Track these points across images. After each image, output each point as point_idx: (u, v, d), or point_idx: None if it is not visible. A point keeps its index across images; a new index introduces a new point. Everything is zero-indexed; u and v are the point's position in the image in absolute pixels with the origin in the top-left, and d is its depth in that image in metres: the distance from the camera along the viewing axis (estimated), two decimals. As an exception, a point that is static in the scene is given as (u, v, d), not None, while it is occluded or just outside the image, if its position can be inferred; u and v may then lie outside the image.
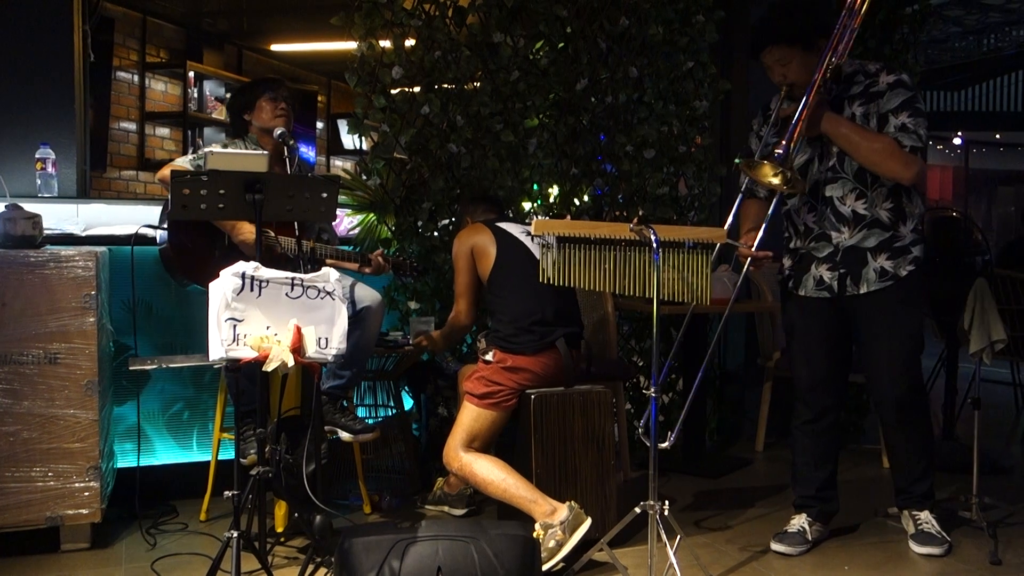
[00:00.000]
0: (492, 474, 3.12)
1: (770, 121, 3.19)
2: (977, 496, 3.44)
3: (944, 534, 3.27)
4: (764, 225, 3.21)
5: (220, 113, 7.50)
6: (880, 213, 3.15)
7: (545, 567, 2.88)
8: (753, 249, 3.18)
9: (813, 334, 3.31)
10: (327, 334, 2.65)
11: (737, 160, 3.04)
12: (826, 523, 3.40)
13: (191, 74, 7.26)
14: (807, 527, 3.33)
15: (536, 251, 3.23)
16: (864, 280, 3.17)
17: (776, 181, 2.99)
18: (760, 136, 3.30)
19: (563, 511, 2.98)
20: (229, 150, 3.35)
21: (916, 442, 3.30)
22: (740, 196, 3.36)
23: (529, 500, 3.05)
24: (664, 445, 2.92)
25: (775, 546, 3.29)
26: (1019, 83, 11.63)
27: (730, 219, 3.28)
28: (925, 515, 3.32)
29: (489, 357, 3.26)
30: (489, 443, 3.28)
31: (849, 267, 3.19)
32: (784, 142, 2.93)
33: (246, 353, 2.53)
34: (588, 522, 2.99)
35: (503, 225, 3.40)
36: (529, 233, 3.31)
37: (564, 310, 3.31)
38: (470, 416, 3.21)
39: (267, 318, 2.57)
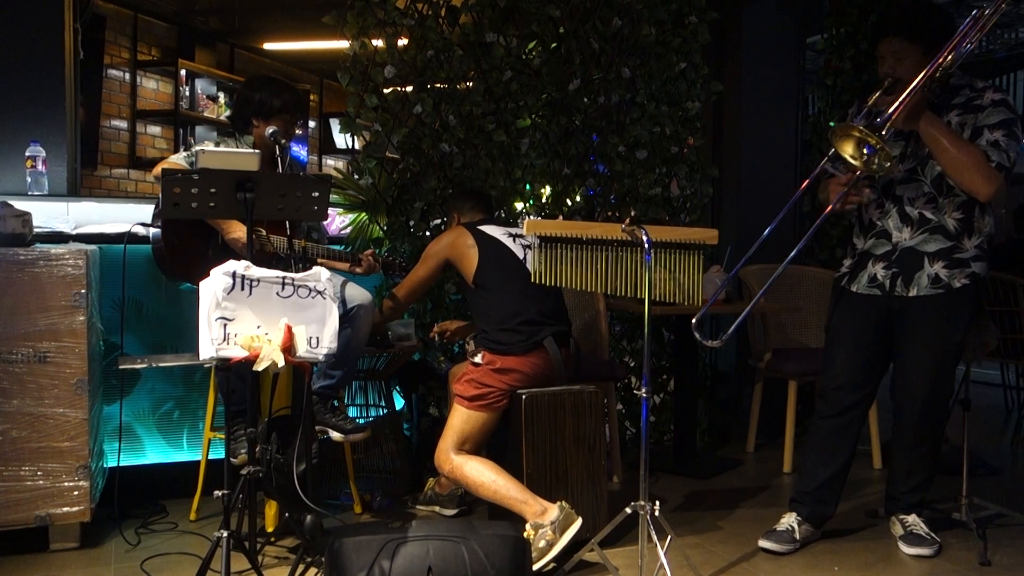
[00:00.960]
0: (483, 475, 3.12)
1: (863, 112, 3.16)
2: (967, 497, 3.45)
3: (933, 535, 3.28)
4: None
5: (212, 111, 7.48)
6: (947, 221, 3.14)
7: (535, 567, 2.88)
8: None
9: (856, 331, 3.31)
10: (318, 333, 2.64)
11: (832, 124, 3.00)
12: (817, 525, 3.40)
13: (183, 72, 7.24)
14: (795, 526, 3.33)
15: (519, 252, 3.28)
16: (915, 284, 3.17)
17: (853, 161, 2.94)
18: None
19: (554, 511, 2.98)
20: (221, 148, 3.33)
21: (924, 453, 3.30)
22: (818, 171, 3.33)
23: (520, 501, 3.05)
24: (716, 343, 3.04)
25: (762, 542, 3.30)
26: (1010, 85, 11.67)
27: (810, 179, 3.26)
28: (912, 518, 3.33)
29: (478, 359, 3.26)
30: (480, 444, 3.28)
31: (903, 268, 3.19)
32: (880, 117, 2.92)
33: (236, 352, 2.52)
34: (579, 522, 2.98)
35: (485, 228, 3.40)
36: (512, 235, 3.34)
37: (551, 309, 3.31)
38: (460, 418, 3.21)
39: (258, 317, 2.56)
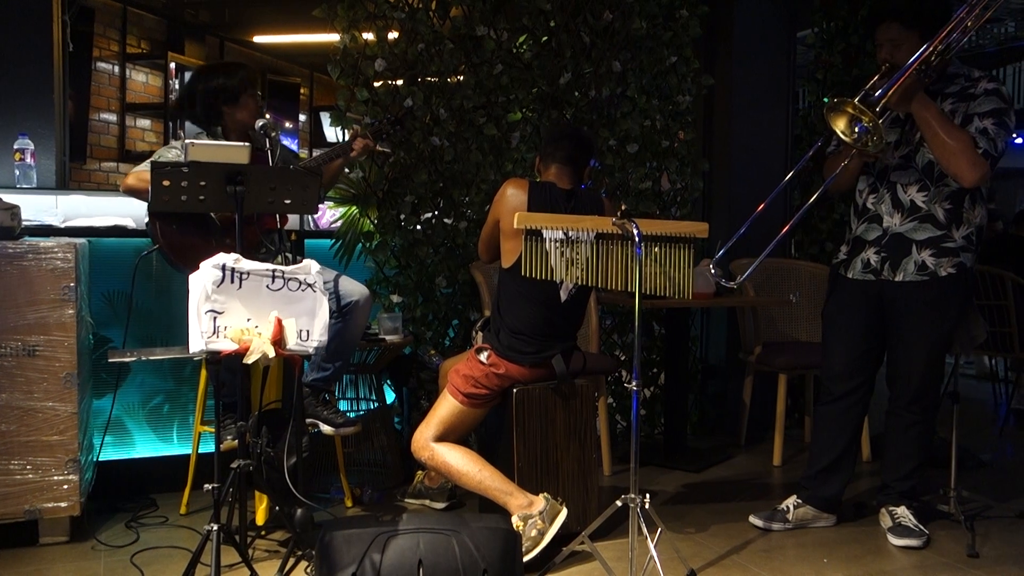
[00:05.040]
0: (467, 466, 3.11)
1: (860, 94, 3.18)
2: (955, 490, 3.47)
3: (922, 527, 3.30)
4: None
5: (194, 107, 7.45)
6: (937, 210, 3.17)
7: (530, 556, 2.90)
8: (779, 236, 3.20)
9: (849, 320, 3.36)
10: (308, 326, 2.64)
11: (825, 99, 3.02)
12: (821, 508, 3.45)
13: (172, 65, 7.22)
14: (791, 507, 3.44)
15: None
16: (902, 269, 3.21)
17: (844, 137, 2.97)
18: None
19: (540, 502, 3.00)
20: (211, 142, 3.32)
21: (914, 440, 3.33)
22: (817, 146, 3.37)
23: (504, 492, 3.05)
24: (734, 285, 3.13)
25: (751, 518, 3.45)
26: (1000, 81, 11.73)
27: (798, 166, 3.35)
28: (902, 510, 3.35)
29: (483, 358, 3.17)
30: (463, 437, 3.27)
31: (891, 253, 3.23)
32: (877, 92, 2.94)
33: (226, 345, 2.52)
34: (564, 512, 3.00)
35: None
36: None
37: (569, 327, 3.25)
38: (449, 411, 3.19)
39: (248, 310, 2.56)
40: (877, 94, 2.95)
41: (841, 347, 3.38)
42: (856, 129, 2.95)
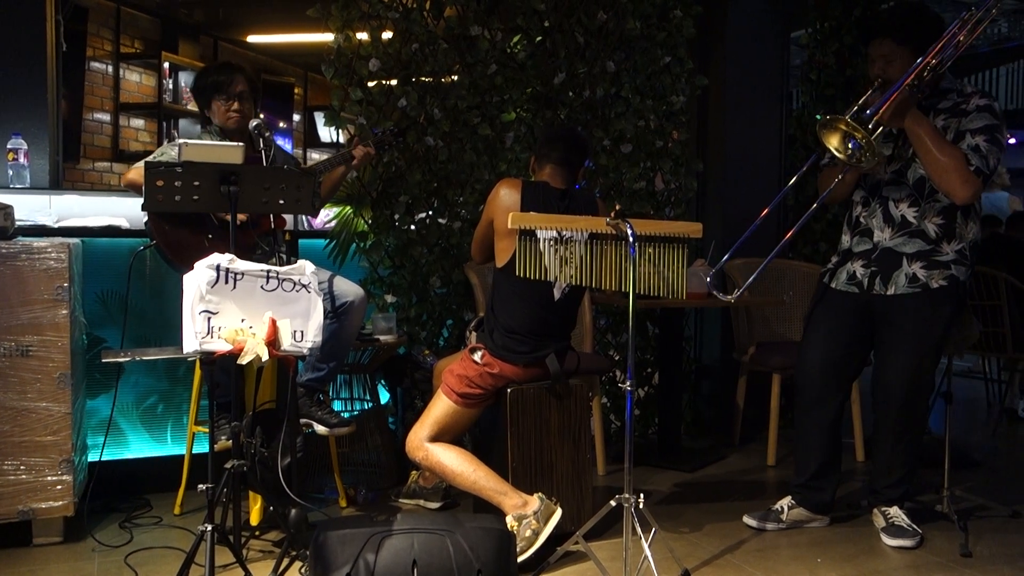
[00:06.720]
0: (461, 466, 3.11)
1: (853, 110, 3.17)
2: (948, 489, 3.47)
3: (915, 527, 3.30)
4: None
5: (195, 105, 7.44)
6: (927, 226, 3.17)
7: (524, 556, 2.90)
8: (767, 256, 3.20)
9: (830, 327, 3.35)
10: (302, 327, 2.64)
11: (818, 116, 3.01)
12: (815, 510, 3.45)
13: (166, 65, 7.20)
14: (786, 508, 3.44)
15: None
16: (893, 282, 3.21)
17: (838, 154, 2.97)
18: None
19: (535, 502, 3.00)
20: (203, 141, 3.31)
21: (904, 450, 3.33)
22: (812, 161, 3.37)
23: (499, 492, 3.05)
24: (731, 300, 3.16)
25: (745, 518, 3.46)
26: (993, 81, 11.73)
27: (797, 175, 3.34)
28: (895, 510, 3.36)
29: (477, 358, 3.17)
30: (458, 438, 3.27)
31: (881, 267, 3.23)
32: (869, 110, 2.94)
33: (220, 346, 2.52)
34: (559, 512, 3.00)
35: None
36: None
37: (563, 326, 3.24)
38: (443, 411, 3.18)
39: (242, 311, 2.56)
40: (869, 111, 2.95)
41: (819, 355, 3.36)
42: (850, 145, 2.95)
